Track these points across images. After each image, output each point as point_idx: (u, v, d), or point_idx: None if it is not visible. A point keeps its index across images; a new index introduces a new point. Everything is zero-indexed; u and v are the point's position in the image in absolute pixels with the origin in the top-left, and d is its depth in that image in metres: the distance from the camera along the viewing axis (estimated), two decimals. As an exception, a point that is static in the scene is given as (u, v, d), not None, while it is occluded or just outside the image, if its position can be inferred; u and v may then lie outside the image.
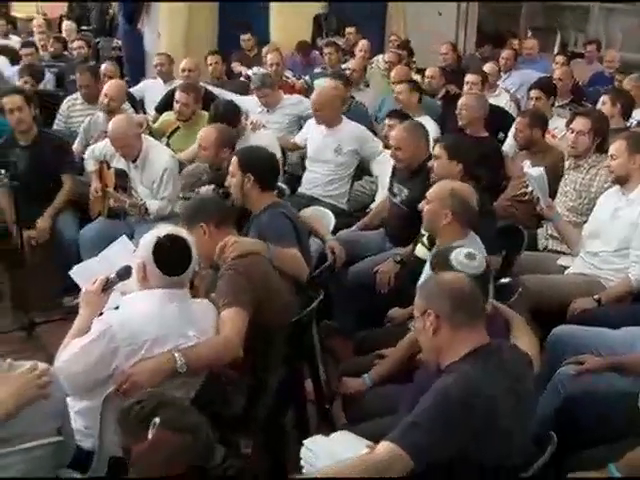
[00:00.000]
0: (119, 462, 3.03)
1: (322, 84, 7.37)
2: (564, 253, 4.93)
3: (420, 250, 4.44)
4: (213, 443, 2.17)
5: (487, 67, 8.10)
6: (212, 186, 4.81)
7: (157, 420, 2.08)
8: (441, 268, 3.21)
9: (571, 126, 5.20)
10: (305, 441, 2.82)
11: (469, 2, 12.49)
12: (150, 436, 2.06)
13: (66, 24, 11.95)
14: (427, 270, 3.88)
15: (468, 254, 3.23)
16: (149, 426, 2.07)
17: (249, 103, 7.00)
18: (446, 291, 2.74)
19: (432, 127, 6.33)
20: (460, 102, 6.19)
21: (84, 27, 13.25)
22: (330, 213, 5.20)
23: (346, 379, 3.72)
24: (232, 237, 3.70)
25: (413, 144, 5.09)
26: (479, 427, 2.50)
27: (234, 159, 4.31)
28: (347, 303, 4.98)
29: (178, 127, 6.56)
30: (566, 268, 4.74)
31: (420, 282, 3.52)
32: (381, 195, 5.82)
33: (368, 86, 8.68)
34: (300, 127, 6.89)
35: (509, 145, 6.40)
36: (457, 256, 3.21)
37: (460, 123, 6.10)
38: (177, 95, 6.51)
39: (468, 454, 2.52)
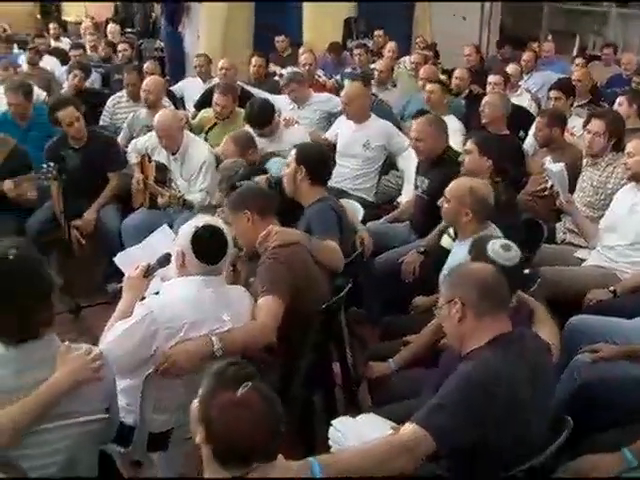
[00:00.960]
0: (157, 437, 3.08)
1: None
2: (581, 246, 4.88)
3: (445, 241, 4.42)
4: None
5: (510, 68, 8.07)
6: (266, 176, 4.76)
7: (249, 383, 2.08)
8: (478, 256, 3.20)
9: (587, 127, 5.15)
10: (333, 421, 2.80)
11: (492, 4, 12.36)
12: (240, 393, 2.07)
13: (111, 27, 12.06)
14: (451, 259, 3.87)
15: (504, 245, 3.21)
16: (240, 385, 2.08)
17: (281, 101, 7.00)
18: (473, 280, 2.71)
19: (457, 125, 6.31)
20: (484, 100, 6.14)
21: (128, 29, 13.36)
22: (358, 205, 5.17)
23: (372, 363, 3.70)
24: (275, 226, 3.67)
25: (433, 136, 5.08)
26: (500, 413, 2.46)
27: (293, 151, 4.29)
28: (374, 291, 4.96)
29: (215, 123, 6.56)
30: (583, 260, 4.69)
31: (444, 270, 3.50)
32: (407, 189, 5.81)
33: (395, 86, 8.65)
34: (330, 124, 6.87)
35: (529, 143, 6.35)
36: (493, 246, 3.20)
37: (483, 121, 6.05)
38: (216, 97, 6.47)
39: (488, 440, 2.48)
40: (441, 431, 2.43)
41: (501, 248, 3.19)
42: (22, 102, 6.32)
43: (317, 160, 4.29)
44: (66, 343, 2.65)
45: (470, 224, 3.89)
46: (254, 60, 8.53)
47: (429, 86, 6.87)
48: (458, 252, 3.82)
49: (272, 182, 4.60)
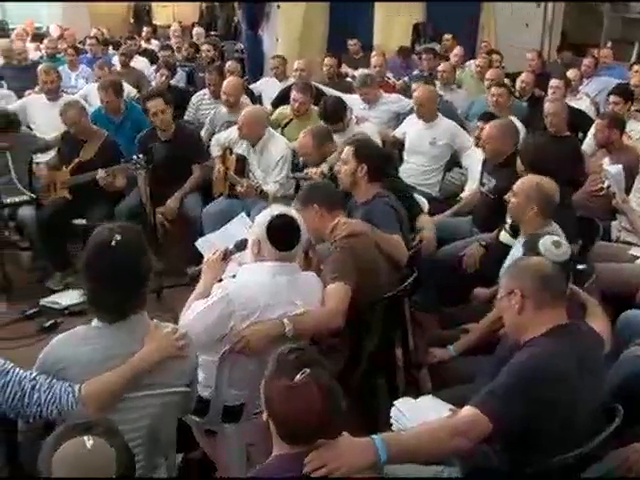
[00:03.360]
0: (231, 410, 3.11)
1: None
2: (636, 244, 4.78)
3: (503, 236, 4.37)
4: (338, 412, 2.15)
5: (570, 73, 7.90)
6: (319, 169, 4.71)
7: (307, 370, 2.07)
8: (530, 251, 3.18)
9: (649, 128, 5.02)
10: (396, 402, 2.80)
11: (555, 11, 12.09)
12: (297, 380, 2.06)
13: (196, 30, 12.21)
14: (512, 254, 3.80)
15: (555, 242, 3.19)
16: (299, 372, 2.07)
17: (353, 101, 6.98)
18: (532, 272, 2.68)
19: (519, 127, 6.18)
20: (546, 111, 5.96)
21: (212, 32, 13.50)
22: (424, 200, 5.13)
23: (433, 349, 3.68)
24: (343, 217, 3.68)
25: (499, 140, 5.02)
26: (552, 401, 2.42)
27: (350, 148, 4.17)
28: (434, 281, 4.91)
29: (291, 119, 6.57)
30: (637, 258, 4.59)
31: (506, 264, 3.45)
32: (470, 185, 5.76)
33: (460, 87, 8.57)
34: (398, 123, 6.83)
35: (588, 144, 6.21)
36: (545, 242, 3.19)
37: (551, 130, 5.90)
38: (294, 94, 6.46)
39: (538, 426, 2.44)
40: (497, 414, 2.39)
41: (552, 245, 3.18)
42: (112, 99, 6.49)
43: (377, 158, 4.23)
44: (154, 321, 2.69)
45: (534, 220, 3.81)
46: (327, 60, 8.57)
47: (496, 89, 6.75)
48: (520, 248, 3.75)
49: (326, 175, 4.58)
